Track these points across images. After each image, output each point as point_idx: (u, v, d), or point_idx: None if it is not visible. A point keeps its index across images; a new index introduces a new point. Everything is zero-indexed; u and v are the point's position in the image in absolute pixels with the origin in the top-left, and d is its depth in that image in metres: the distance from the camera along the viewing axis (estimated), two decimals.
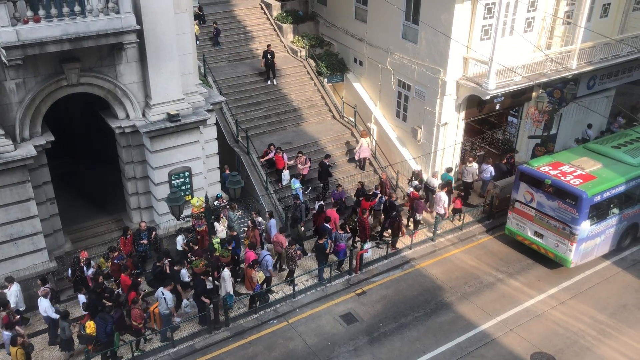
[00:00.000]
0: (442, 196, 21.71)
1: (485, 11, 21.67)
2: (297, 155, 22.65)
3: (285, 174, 22.52)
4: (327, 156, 23.05)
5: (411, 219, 21.97)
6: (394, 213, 20.69)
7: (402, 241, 21.12)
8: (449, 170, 23.48)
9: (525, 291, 18.88)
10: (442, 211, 21.76)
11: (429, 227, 21.93)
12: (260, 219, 20.00)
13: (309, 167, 22.75)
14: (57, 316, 15.46)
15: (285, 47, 28.63)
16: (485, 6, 21.54)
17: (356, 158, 24.47)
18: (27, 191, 16.23)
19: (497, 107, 24.03)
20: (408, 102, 24.54)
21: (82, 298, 16.27)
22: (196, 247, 18.06)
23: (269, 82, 26.21)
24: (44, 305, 15.72)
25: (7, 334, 14.79)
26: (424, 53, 22.92)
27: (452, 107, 22.99)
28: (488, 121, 25.95)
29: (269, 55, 25.65)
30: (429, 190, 22.97)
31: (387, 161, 25.24)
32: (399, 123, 25.35)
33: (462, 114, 23.50)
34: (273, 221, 19.78)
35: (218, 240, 17.97)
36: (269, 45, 26.20)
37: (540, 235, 19.74)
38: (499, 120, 26.42)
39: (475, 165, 23.53)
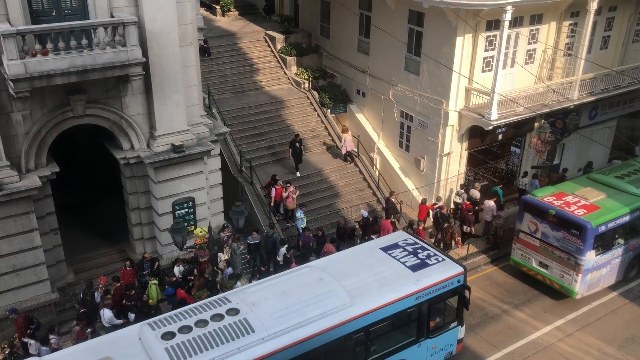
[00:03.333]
0: (491, 204, 22.26)
1: (486, 43, 21.95)
2: (286, 186, 22.44)
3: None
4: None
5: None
6: (446, 225, 20.88)
7: (457, 252, 21.32)
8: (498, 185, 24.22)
9: (531, 323, 18.66)
10: (490, 219, 22.34)
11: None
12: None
13: (296, 195, 22.56)
14: (121, 322, 15.88)
15: (289, 79, 28.96)
16: (487, 38, 21.84)
17: (343, 152, 25.64)
18: (31, 222, 16.26)
19: (500, 137, 24.14)
20: (411, 133, 24.68)
21: (107, 313, 16.27)
22: (197, 278, 17.91)
23: (298, 174, 24.19)
24: (108, 316, 15.94)
25: (44, 349, 14.97)
26: (426, 84, 23.15)
27: (455, 138, 23.10)
28: (491, 151, 26.02)
29: (297, 144, 23.87)
30: (471, 202, 23.21)
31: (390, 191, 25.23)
32: (402, 153, 25.45)
33: (465, 144, 23.60)
34: (282, 249, 19.64)
35: (156, 282, 17.43)
36: (297, 135, 24.28)
37: (545, 266, 19.59)
38: (501, 151, 26.48)
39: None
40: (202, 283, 17.52)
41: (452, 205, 23.72)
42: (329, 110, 27.51)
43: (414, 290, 14.68)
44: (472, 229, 22.53)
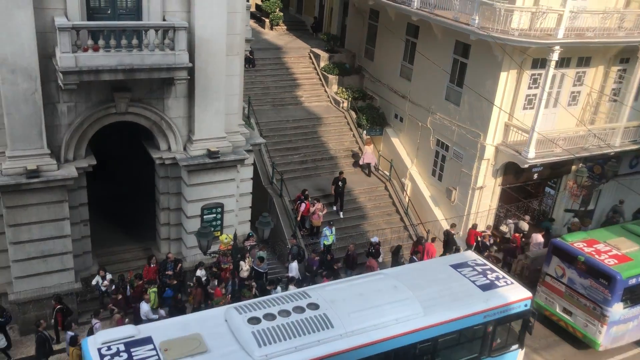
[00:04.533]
0: (540, 239, 21.95)
1: (530, 81, 21.78)
2: (314, 203, 22.55)
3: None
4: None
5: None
6: (486, 254, 20.76)
7: None
8: (549, 219, 24.03)
9: None
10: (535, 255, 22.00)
11: None
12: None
13: (323, 213, 22.68)
14: (157, 317, 16.25)
15: (328, 97, 29.18)
16: (531, 76, 21.67)
17: (360, 163, 26.12)
18: (64, 210, 16.64)
19: (535, 176, 23.78)
20: (445, 162, 24.54)
21: (145, 306, 16.72)
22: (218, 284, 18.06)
23: (341, 215, 23.89)
24: (145, 310, 16.41)
25: (70, 333, 15.48)
26: (465, 116, 23.04)
27: (489, 172, 22.88)
28: (525, 189, 25.64)
29: (340, 183, 23.58)
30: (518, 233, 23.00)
31: (418, 219, 25.07)
32: (434, 182, 25.29)
33: (499, 180, 23.34)
34: (293, 264, 19.63)
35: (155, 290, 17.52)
36: (341, 173, 23.92)
37: (569, 313, 19.11)
38: (535, 190, 26.08)
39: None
40: (199, 294, 17.65)
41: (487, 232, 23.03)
42: (365, 132, 27.58)
43: (483, 309, 15.11)
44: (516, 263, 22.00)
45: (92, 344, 12.46)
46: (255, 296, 17.10)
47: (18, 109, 15.26)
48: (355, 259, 21.00)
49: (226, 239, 17.24)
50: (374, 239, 21.34)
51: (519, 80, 21.64)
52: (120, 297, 17.25)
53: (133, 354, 12.14)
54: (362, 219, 24.23)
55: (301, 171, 25.43)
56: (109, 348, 12.26)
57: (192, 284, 17.95)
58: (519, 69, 21.34)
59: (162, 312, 16.98)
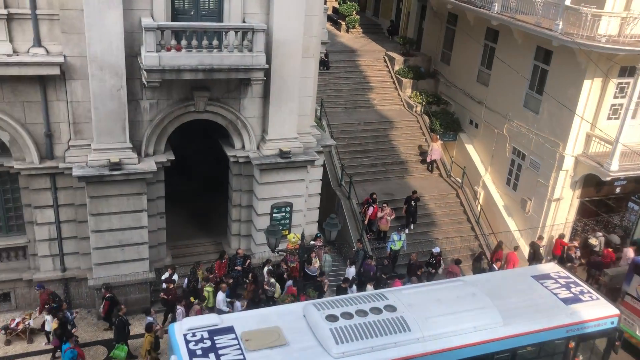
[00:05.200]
0: (630, 253, 21.10)
1: (616, 90, 20.74)
2: (382, 207, 22.39)
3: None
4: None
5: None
6: (569, 264, 20.19)
7: None
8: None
9: None
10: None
11: None
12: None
13: (392, 218, 22.49)
14: (228, 310, 16.82)
15: (402, 100, 28.95)
16: (618, 85, 20.62)
17: (428, 160, 26.14)
18: (142, 203, 17.39)
19: (618, 190, 22.61)
20: (521, 172, 23.76)
21: (220, 296, 17.33)
22: (249, 284, 18.21)
23: (411, 227, 23.39)
24: (219, 298, 17.14)
25: (149, 318, 16.31)
26: (544, 124, 22.22)
27: (568, 183, 21.96)
28: (605, 203, 24.40)
29: (412, 202, 23.16)
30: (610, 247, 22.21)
31: (490, 228, 24.41)
32: (508, 191, 24.54)
33: (578, 192, 22.37)
34: (351, 269, 19.51)
35: (210, 290, 17.65)
36: (414, 192, 23.55)
37: None
38: (617, 205, 24.74)
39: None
40: (252, 291, 17.87)
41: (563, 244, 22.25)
42: (440, 143, 27.11)
43: (566, 323, 14.73)
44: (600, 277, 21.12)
45: (178, 330, 13.14)
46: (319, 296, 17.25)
47: (104, 104, 16.09)
48: (419, 267, 20.52)
49: (294, 238, 17.44)
50: (436, 249, 20.92)
51: (603, 89, 20.64)
52: (171, 287, 17.73)
53: (216, 341, 12.69)
54: (432, 226, 23.87)
55: (370, 174, 25.36)
56: (193, 334, 12.89)
57: (247, 280, 18.28)
58: (605, 77, 20.35)
59: (237, 304, 17.43)
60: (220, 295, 17.33)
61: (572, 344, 15.02)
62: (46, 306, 16.99)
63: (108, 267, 17.75)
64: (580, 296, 15.60)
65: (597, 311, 15.24)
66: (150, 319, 16.43)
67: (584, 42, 19.18)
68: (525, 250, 22.53)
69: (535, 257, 21.46)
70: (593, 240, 22.40)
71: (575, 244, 21.69)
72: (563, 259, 21.15)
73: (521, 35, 22.63)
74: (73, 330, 16.37)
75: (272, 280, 18.21)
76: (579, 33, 19.49)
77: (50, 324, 16.68)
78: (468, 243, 23.41)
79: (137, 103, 16.97)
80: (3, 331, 17.09)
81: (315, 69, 19.09)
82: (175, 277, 17.96)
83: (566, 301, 15.32)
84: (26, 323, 17.22)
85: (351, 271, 19.42)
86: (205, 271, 18.50)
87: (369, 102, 28.53)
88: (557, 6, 20.44)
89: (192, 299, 17.27)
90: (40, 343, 17.23)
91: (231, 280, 18.23)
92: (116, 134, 16.57)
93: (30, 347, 17.17)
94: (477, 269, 20.73)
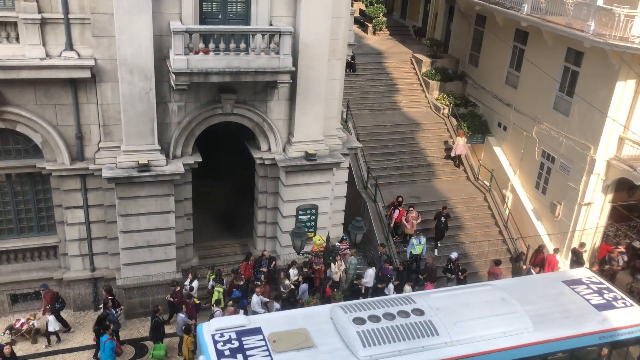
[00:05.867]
0: None
1: None
2: (408, 210, 22.19)
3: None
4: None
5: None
6: (607, 267, 20.15)
7: None
8: None
9: None
10: None
11: None
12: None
13: (418, 222, 22.22)
14: (263, 311, 17.06)
15: (429, 102, 28.74)
16: None
17: (452, 155, 26.16)
18: (170, 204, 17.59)
19: None
20: (550, 175, 23.35)
21: (255, 298, 17.54)
22: (263, 285, 18.17)
23: (438, 244, 22.60)
24: (255, 300, 17.43)
25: (182, 316, 16.79)
26: (574, 127, 21.82)
27: (599, 187, 21.51)
28: (638, 208, 23.82)
29: (442, 218, 22.11)
30: None
31: (518, 232, 24.04)
32: (538, 195, 24.14)
33: (609, 196, 21.88)
34: (370, 271, 19.37)
35: (220, 290, 17.60)
36: (444, 208, 22.49)
37: None
38: None
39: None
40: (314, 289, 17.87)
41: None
42: (465, 140, 26.85)
43: (598, 330, 14.47)
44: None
45: (206, 330, 13.30)
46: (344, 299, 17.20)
47: (133, 106, 16.33)
48: (434, 272, 20.30)
49: (319, 240, 17.43)
50: (454, 255, 20.50)
51: (637, 91, 20.16)
52: (242, 283, 17.96)
53: (244, 342, 12.83)
54: (459, 230, 23.60)
55: (396, 177, 25.21)
56: (221, 335, 13.03)
57: (260, 281, 18.21)
58: (639, 79, 19.87)
59: (276, 305, 17.54)
60: (255, 298, 17.47)
61: (605, 351, 14.72)
62: (47, 307, 17.26)
63: (136, 268, 17.99)
64: (614, 302, 15.30)
65: (631, 318, 14.92)
66: (183, 317, 16.65)
67: (617, 42, 18.77)
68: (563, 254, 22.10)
69: (578, 263, 21.02)
70: (637, 244, 21.99)
71: (621, 248, 21.27)
72: (605, 262, 20.84)
73: (551, 36, 22.26)
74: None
75: (287, 282, 18.20)
76: (611, 34, 19.08)
77: (53, 324, 17.04)
78: (496, 247, 23.07)
79: (166, 105, 17.18)
80: (8, 331, 17.30)
81: (341, 72, 19.07)
82: (195, 283, 17.95)
83: (598, 307, 15.04)
84: (30, 323, 17.48)
85: (370, 272, 19.29)
86: (231, 272, 18.59)
87: (396, 104, 28.38)
88: (589, 7, 20.05)
89: (195, 301, 17.26)
90: (41, 345, 17.46)
91: (242, 283, 18.16)
92: (145, 136, 16.80)
93: (32, 347, 17.38)
94: (516, 269, 20.56)
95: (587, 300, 15.29)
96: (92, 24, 15.70)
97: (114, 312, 16.99)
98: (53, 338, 17.41)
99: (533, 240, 23.19)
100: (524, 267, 20.46)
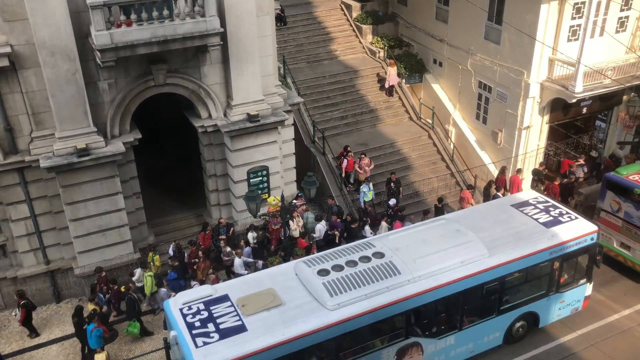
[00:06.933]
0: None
1: (573, 11, 20.75)
2: (360, 157, 22.36)
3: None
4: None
5: None
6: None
7: None
8: None
9: (610, 305, 17.94)
10: None
11: None
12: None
13: (371, 168, 22.33)
14: (246, 272, 17.22)
15: (364, 48, 28.65)
16: (574, 6, 20.62)
17: (386, 86, 26.25)
18: (116, 185, 17.18)
19: (584, 110, 22.96)
20: (489, 105, 23.92)
21: (238, 260, 17.74)
22: (203, 260, 18.03)
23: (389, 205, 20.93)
24: (238, 262, 17.64)
25: (164, 290, 17.08)
26: (506, 54, 22.26)
27: (536, 110, 22.21)
28: (574, 125, 24.82)
29: (392, 185, 21.57)
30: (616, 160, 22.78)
31: (464, 164, 24.71)
32: (479, 126, 24.75)
33: (546, 118, 22.66)
34: (319, 225, 19.55)
35: (151, 274, 17.47)
36: (392, 173, 22.12)
37: (627, 247, 18.69)
38: (585, 125, 25.20)
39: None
40: (275, 249, 17.97)
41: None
42: (404, 80, 27.05)
43: (549, 246, 15.26)
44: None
45: (174, 305, 13.32)
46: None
47: (61, 90, 15.65)
48: (375, 217, 20.66)
49: (274, 200, 17.48)
50: (392, 201, 20.77)
51: (561, 11, 20.64)
52: (177, 264, 17.80)
53: (213, 311, 12.93)
54: (408, 170, 24.06)
55: (342, 127, 25.29)
56: (189, 307, 13.09)
57: (197, 259, 17.93)
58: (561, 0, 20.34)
59: (259, 263, 17.74)
60: (237, 260, 17.65)
61: (557, 265, 15.61)
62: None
63: (92, 254, 17.66)
64: (560, 218, 16.09)
65: (576, 230, 15.79)
66: (165, 290, 17.01)
67: None
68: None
69: (540, 182, 22.07)
70: (593, 153, 23.55)
71: (581, 161, 22.47)
72: (566, 176, 22.08)
73: None
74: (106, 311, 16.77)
75: (228, 249, 18.22)
76: None
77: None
78: (445, 182, 23.70)
79: (95, 85, 16.54)
80: None
81: (272, 26, 18.72)
82: (138, 270, 17.63)
83: (546, 224, 15.81)
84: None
85: (319, 227, 19.47)
86: (188, 244, 18.47)
87: (332, 53, 28.18)
88: None
89: (122, 289, 16.93)
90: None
91: (177, 264, 17.90)
92: (78, 119, 16.20)
93: None
94: (487, 196, 21.36)
95: (536, 219, 16.03)
96: (1, 9, 14.77)
97: (102, 296, 16.79)
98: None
99: (479, 170, 23.92)
100: (493, 192, 21.18)
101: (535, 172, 22.51)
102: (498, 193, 20.85)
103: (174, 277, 17.66)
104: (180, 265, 17.91)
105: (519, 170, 22.19)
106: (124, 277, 17.88)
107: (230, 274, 18.06)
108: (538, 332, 16.78)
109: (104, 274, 17.33)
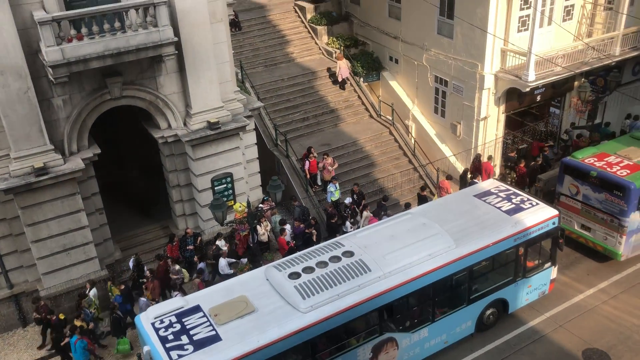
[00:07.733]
0: None
1: (521, 2, 21.30)
2: (323, 157, 22.46)
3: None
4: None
5: None
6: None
7: None
8: (607, 124, 24.21)
9: (575, 286, 18.46)
10: None
11: None
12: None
13: (334, 167, 22.42)
14: (232, 271, 17.36)
15: (320, 49, 28.77)
16: None
17: (339, 79, 26.41)
18: (77, 203, 16.82)
19: (538, 98, 23.57)
20: (446, 98, 24.33)
21: (222, 261, 17.79)
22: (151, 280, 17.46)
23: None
24: (222, 264, 17.65)
25: (143, 300, 16.57)
26: (460, 48, 22.68)
27: (492, 101, 22.69)
28: (529, 113, 25.45)
29: (355, 197, 20.95)
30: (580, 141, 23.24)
31: (426, 158, 25.07)
32: (438, 119, 25.15)
33: (502, 107, 23.17)
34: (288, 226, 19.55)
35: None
36: (355, 185, 21.55)
37: (588, 229, 19.26)
38: (540, 112, 25.88)
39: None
40: (156, 288, 17.18)
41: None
42: (361, 79, 27.28)
43: (512, 233, 15.61)
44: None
45: (145, 319, 13.12)
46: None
47: (14, 109, 15.25)
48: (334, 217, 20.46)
49: (240, 207, 17.41)
50: (347, 200, 20.90)
51: (509, 3, 21.15)
52: (122, 287, 17.27)
53: (185, 323, 12.80)
54: (371, 167, 24.27)
55: (304, 129, 25.35)
56: (161, 321, 12.92)
57: (146, 278, 17.32)
58: None
59: (243, 261, 17.74)
60: (222, 261, 17.67)
61: (522, 251, 16.01)
62: None
63: (57, 274, 17.25)
64: (522, 205, 16.49)
65: (538, 215, 16.21)
66: (145, 300, 16.54)
67: None
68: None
69: (511, 168, 22.89)
70: (564, 136, 24.32)
71: (551, 142, 23.31)
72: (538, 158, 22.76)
73: None
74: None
75: (177, 267, 17.87)
76: None
77: None
78: (409, 176, 24.00)
79: (49, 102, 16.18)
80: None
81: (227, 33, 18.65)
82: (93, 291, 16.99)
83: (509, 212, 16.18)
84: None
85: (288, 229, 19.37)
86: (155, 258, 18.17)
87: (288, 56, 28.21)
88: None
89: (60, 316, 16.23)
90: None
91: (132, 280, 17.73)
92: (34, 138, 15.81)
93: None
94: (464, 184, 21.77)
95: (499, 208, 16.40)
96: None
97: (88, 312, 16.34)
98: None
99: (442, 163, 24.30)
100: (469, 180, 21.66)
101: (506, 158, 23.14)
102: (475, 180, 21.26)
103: (119, 302, 16.79)
104: (125, 289, 17.26)
105: (490, 157, 22.62)
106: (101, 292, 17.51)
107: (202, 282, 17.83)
108: (508, 318, 17.15)
109: (42, 303, 16.64)
